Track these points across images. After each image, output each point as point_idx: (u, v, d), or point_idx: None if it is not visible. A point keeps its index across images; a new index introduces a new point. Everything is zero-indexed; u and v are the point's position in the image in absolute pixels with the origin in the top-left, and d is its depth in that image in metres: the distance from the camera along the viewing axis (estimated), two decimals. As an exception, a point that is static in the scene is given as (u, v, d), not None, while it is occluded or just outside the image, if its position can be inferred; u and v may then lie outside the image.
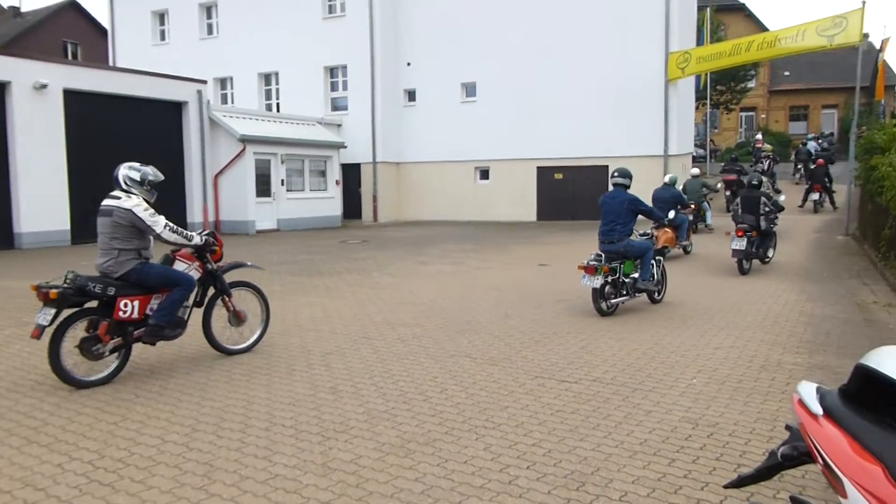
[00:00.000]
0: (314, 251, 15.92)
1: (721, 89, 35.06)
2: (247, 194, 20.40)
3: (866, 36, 24.04)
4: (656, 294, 9.14)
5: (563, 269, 12.54)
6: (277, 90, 26.57)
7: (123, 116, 18.71)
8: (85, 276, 5.54)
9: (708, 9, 28.99)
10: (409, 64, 24.85)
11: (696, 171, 18.40)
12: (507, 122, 23.30)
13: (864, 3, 17.88)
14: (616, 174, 8.94)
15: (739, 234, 11.56)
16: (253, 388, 5.65)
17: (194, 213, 20.20)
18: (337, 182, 23.52)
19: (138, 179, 5.87)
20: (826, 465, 2.17)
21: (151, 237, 5.91)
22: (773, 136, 36.49)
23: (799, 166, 27.57)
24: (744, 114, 42.32)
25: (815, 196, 21.59)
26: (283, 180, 21.53)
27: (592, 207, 22.13)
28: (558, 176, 23.21)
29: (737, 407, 5.06)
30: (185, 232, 6.10)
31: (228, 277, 6.75)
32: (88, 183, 17.91)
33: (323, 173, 23.28)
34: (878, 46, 23.89)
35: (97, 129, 18.16)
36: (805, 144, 29.01)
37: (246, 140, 20.18)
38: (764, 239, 12.12)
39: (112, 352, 5.74)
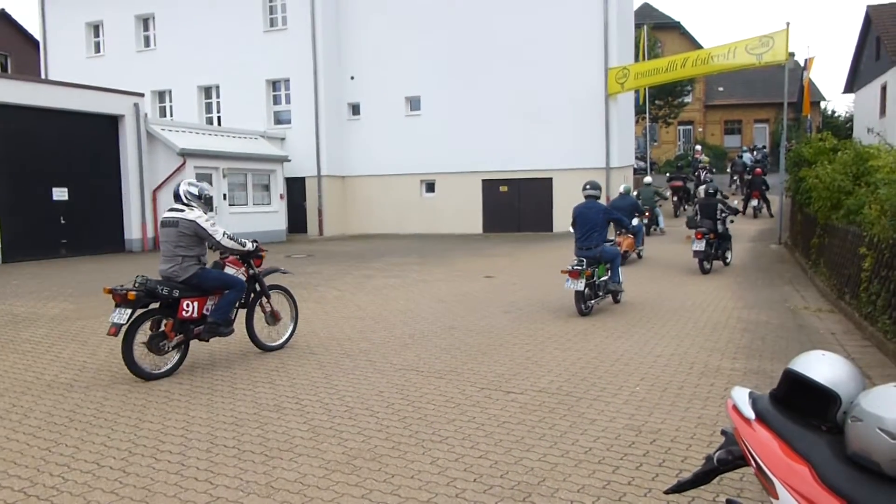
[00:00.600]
0: (258, 267, 15.63)
1: (659, 104, 36.06)
2: (187, 209, 19.91)
3: (792, 55, 25.21)
4: (619, 295, 9.88)
5: (508, 280, 12.65)
6: (218, 103, 26.11)
7: (56, 131, 18.06)
8: (154, 280, 6.25)
9: (645, 26, 29.86)
10: (352, 78, 24.78)
11: (648, 179, 19.71)
12: (452, 136, 23.43)
13: (787, 24, 18.79)
14: (588, 186, 9.63)
15: (699, 236, 12.61)
16: (193, 408, 5.50)
17: (132, 230, 19.60)
18: (281, 196, 23.21)
19: (197, 194, 6.64)
20: (758, 467, 2.25)
21: (208, 244, 6.63)
22: (710, 149, 37.73)
23: (734, 177, 28.89)
24: (682, 127, 43.59)
25: (755, 203, 23.28)
26: (225, 195, 21.11)
27: (537, 219, 22.80)
28: (503, 189, 23.45)
29: (678, 413, 5.17)
30: (240, 239, 6.92)
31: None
32: (20, 200, 17.24)
33: (267, 187, 22.93)
34: (803, 65, 25.00)
35: (28, 144, 17.48)
36: (741, 157, 30.57)
37: (186, 154, 19.73)
38: (722, 242, 13.18)
39: (174, 347, 6.43)
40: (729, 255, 13.58)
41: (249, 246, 6.95)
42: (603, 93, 21.97)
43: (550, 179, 22.74)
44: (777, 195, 19.88)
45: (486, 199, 23.74)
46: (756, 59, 19.92)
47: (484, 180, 23.60)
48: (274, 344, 7.40)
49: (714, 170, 30.68)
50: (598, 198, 9.63)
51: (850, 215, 9.48)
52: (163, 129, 20.37)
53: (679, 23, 42.12)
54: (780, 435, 2.22)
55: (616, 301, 9.87)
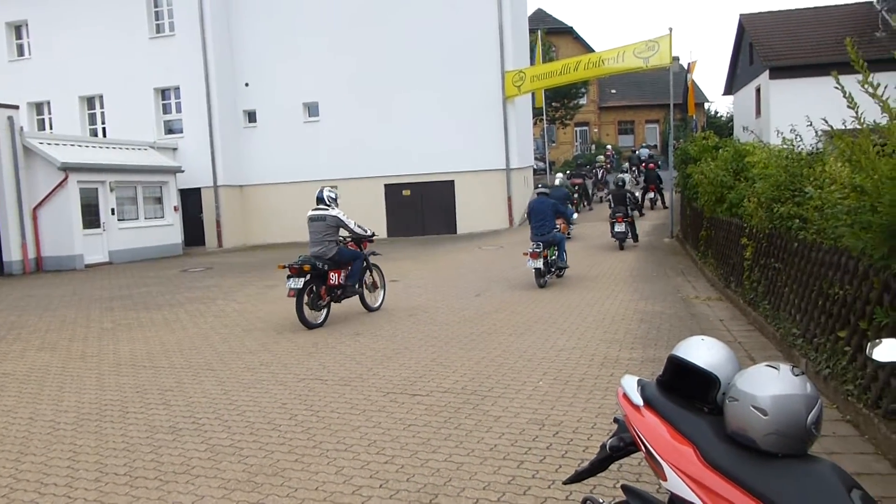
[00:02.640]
0: (152, 283, 14.94)
1: (556, 105, 37.11)
2: (72, 226, 18.72)
3: (676, 59, 26.56)
4: (563, 270, 12.00)
5: (413, 283, 12.62)
6: (103, 114, 24.75)
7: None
8: (313, 258, 8.87)
9: (539, 31, 30.66)
10: (247, 84, 24.11)
11: (560, 175, 20.57)
12: (352, 141, 23.21)
13: (670, 30, 19.77)
14: (540, 186, 12.72)
15: (620, 220, 15.53)
16: (81, 436, 5.17)
17: (11, 251, 18.22)
18: (175, 208, 22.27)
19: (334, 197, 9.36)
20: (648, 451, 2.30)
21: (343, 230, 9.30)
22: (602, 149, 39.24)
23: (634, 168, 30.60)
24: (578, 128, 45.05)
25: (651, 195, 24.76)
26: (113, 209, 20.02)
27: (441, 222, 22.94)
28: (406, 192, 23.44)
29: (580, 404, 5.29)
30: (363, 226, 9.66)
31: None
32: None
33: (159, 200, 21.91)
34: (686, 68, 26.39)
35: None
36: (635, 152, 32.51)
37: (68, 168, 18.56)
38: (632, 224, 16.13)
39: (324, 307, 8.98)
40: (637, 234, 16.73)
41: (370, 232, 9.69)
42: (500, 96, 22.37)
43: (452, 182, 22.94)
44: (668, 191, 20.92)
45: (390, 203, 23.67)
46: (643, 63, 20.85)
47: (386, 185, 23.52)
48: (374, 306, 9.89)
49: (610, 168, 32.19)
50: (549, 195, 12.09)
51: (733, 208, 10.02)
52: (41, 143, 19.10)
53: (572, 28, 43.50)
54: (667, 419, 2.29)
55: (559, 276, 11.94)
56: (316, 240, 9.10)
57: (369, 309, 9.78)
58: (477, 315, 9.17)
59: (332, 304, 9.24)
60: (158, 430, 5.21)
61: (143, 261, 20.10)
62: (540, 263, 11.04)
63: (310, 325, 8.78)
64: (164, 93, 24.22)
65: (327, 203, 9.25)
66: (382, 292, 10.20)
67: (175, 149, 23.68)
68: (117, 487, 4.18)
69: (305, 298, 8.73)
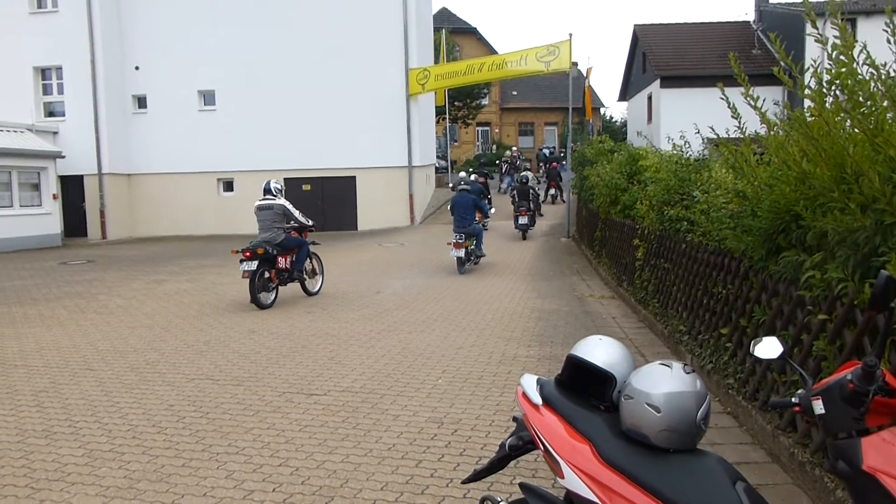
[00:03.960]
0: (26, 275, 13.89)
1: (459, 105, 37.43)
2: (-64, 213, 17.18)
3: (575, 64, 27.43)
4: (480, 259, 13.41)
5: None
6: (-27, 92, 22.85)
7: None
8: (263, 243, 9.51)
9: (444, 30, 30.80)
10: (137, 68, 22.85)
11: (465, 174, 21.09)
12: (251, 133, 22.48)
13: (570, 35, 20.35)
14: (462, 182, 14.19)
15: (523, 213, 17.93)
16: (-63, 442, 4.70)
17: None
18: (54, 196, 20.81)
19: (280, 188, 10.14)
20: (546, 449, 2.32)
21: (287, 219, 10.02)
22: (508, 149, 40.01)
23: (541, 166, 32.22)
24: (480, 128, 45.64)
25: (552, 191, 27.22)
26: (-17, 196, 18.51)
27: (342, 218, 22.63)
28: (306, 187, 22.95)
29: (478, 402, 5.32)
30: (305, 216, 10.38)
31: None
32: None
33: (36, 186, 20.41)
34: (585, 74, 27.31)
35: None
36: (542, 149, 35.92)
37: (-68, 148, 17.02)
38: (532, 216, 18.63)
39: (273, 288, 9.72)
40: (534, 224, 19.00)
41: (310, 223, 10.44)
42: (404, 93, 22.30)
43: (354, 178, 22.68)
44: (566, 191, 21.61)
45: (290, 197, 22.53)
46: (544, 67, 21.35)
47: (286, 179, 22.82)
48: (313, 290, 10.57)
49: (517, 164, 33.16)
50: (470, 191, 13.42)
51: (626, 210, 10.41)
52: None
53: (476, 28, 43.96)
54: (565, 417, 2.31)
55: (476, 263, 13.25)
56: (265, 227, 9.84)
57: (309, 293, 10.44)
58: (377, 312, 9.08)
59: (279, 287, 9.88)
60: (30, 434, 4.81)
61: (16, 251, 18.66)
62: (462, 253, 12.44)
63: (262, 306, 9.41)
64: (44, 72, 22.61)
65: (274, 193, 9.99)
66: (321, 278, 10.89)
67: (56, 132, 22.16)
68: (-20, 499, 3.83)
69: (257, 281, 9.34)
